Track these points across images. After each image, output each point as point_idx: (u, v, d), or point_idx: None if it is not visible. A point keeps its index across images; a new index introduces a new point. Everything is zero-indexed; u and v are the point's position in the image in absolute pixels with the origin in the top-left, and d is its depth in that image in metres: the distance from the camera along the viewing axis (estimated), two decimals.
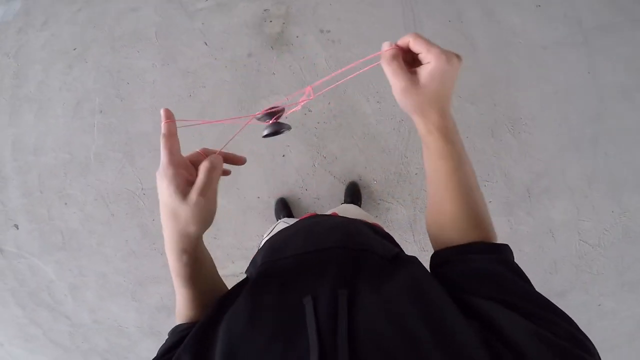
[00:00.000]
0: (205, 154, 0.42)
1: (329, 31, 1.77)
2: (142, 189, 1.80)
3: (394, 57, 0.39)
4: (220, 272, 0.51)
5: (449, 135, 0.41)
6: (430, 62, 0.38)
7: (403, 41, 0.40)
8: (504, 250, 0.42)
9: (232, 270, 1.77)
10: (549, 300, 0.34)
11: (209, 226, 0.40)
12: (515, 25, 1.74)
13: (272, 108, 0.44)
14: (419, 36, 0.38)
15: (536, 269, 1.77)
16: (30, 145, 1.85)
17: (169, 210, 0.38)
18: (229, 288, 0.49)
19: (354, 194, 1.69)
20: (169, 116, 0.39)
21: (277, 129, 0.44)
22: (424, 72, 0.38)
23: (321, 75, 1.73)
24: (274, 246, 0.56)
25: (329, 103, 1.74)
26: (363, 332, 0.31)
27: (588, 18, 1.73)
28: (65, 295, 1.85)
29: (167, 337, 0.45)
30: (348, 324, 0.32)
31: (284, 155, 1.75)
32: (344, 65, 1.78)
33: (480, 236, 0.43)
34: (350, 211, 0.96)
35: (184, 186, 0.37)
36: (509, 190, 1.74)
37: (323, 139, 1.75)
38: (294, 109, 0.45)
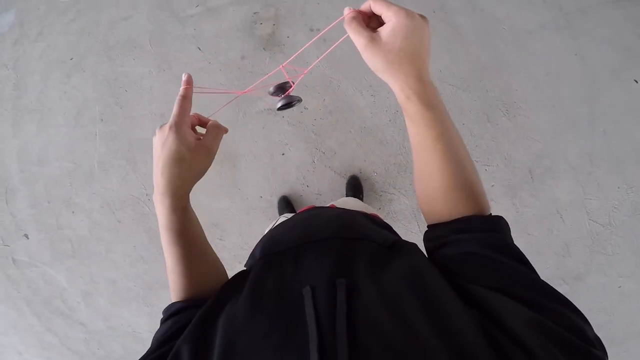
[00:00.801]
0: (198, 118, 0.50)
1: (318, 30, 1.78)
2: (146, 194, 1.83)
3: (354, 17, 0.40)
4: (228, 273, 0.53)
5: (429, 100, 0.39)
6: (391, 20, 0.38)
7: (365, 6, 0.41)
8: (499, 225, 0.40)
9: (239, 270, 1.79)
10: (551, 288, 0.32)
11: (202, 175, 0.46)
12: (499, 12, 1.75)
13: (282, 83, 0.48)
14: None
15: (548, 253, 1.72)
16: (35, 156, 1.89)
17: (174, 157, 0.42)
18: (228, 278, 0.50)
19: (355, 187, 1.69)
20: (189, 82, 0.45)
21: (290, 101, 0.48)
22: (385, 29, 0.39)
23: (314, 72, 1.75)
24: (273, 238, 0.55)
25: (324, 99, 1.75)
26: (362, 320, 0.31)
27: (568, 2, 1.74)
28: (79, 302, 1.88)
29: (161, 315, 0.46)
30: (347, 313, 0.31)
31: (283, 154, 1.77)
32: (336, 61, 1.81)
33: (473, 208, 0.41)
34: (349, 203, 0.94)
35: (192, 139, 0.43)
36: (510, 173, 1.73)
37: (321, 135, 1.76)
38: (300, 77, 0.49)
